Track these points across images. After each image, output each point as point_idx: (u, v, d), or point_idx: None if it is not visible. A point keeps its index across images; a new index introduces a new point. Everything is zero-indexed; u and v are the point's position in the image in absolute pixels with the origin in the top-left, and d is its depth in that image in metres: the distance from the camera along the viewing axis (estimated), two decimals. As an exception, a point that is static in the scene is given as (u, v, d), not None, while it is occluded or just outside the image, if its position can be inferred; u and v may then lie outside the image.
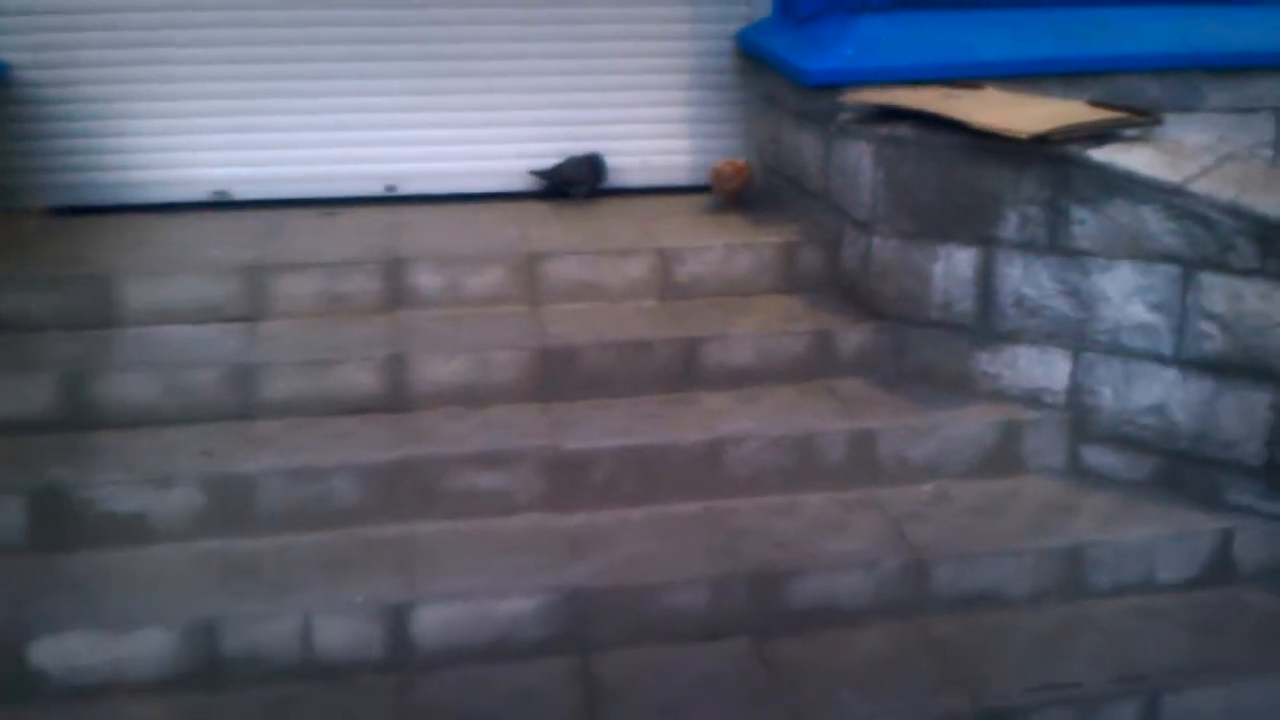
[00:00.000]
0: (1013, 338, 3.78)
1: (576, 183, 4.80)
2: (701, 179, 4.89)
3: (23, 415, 3.62)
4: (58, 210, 4.63)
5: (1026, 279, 3.72)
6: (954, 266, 3.83)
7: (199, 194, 4.75)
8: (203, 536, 3.40)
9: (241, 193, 4.76)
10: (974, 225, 3.78)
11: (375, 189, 4.83)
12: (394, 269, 4.06)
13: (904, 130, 3.89)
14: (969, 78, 4.26)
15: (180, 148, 4.72)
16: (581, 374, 3.84)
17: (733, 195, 4.62)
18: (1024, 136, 3.55)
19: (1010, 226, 3.72)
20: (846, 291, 4.17)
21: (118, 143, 4.68)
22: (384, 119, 4.78)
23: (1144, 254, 3.54)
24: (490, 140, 4.85)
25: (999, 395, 3.81)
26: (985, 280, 3.79)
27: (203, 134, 4.71)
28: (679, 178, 4.98)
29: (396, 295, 4.06)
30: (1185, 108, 4.38)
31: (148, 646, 3.09)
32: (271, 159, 4.75)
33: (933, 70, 4.30)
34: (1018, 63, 4.34)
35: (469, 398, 3.78)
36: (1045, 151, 3.62)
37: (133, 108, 4.66)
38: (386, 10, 4.70)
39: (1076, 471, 3.74)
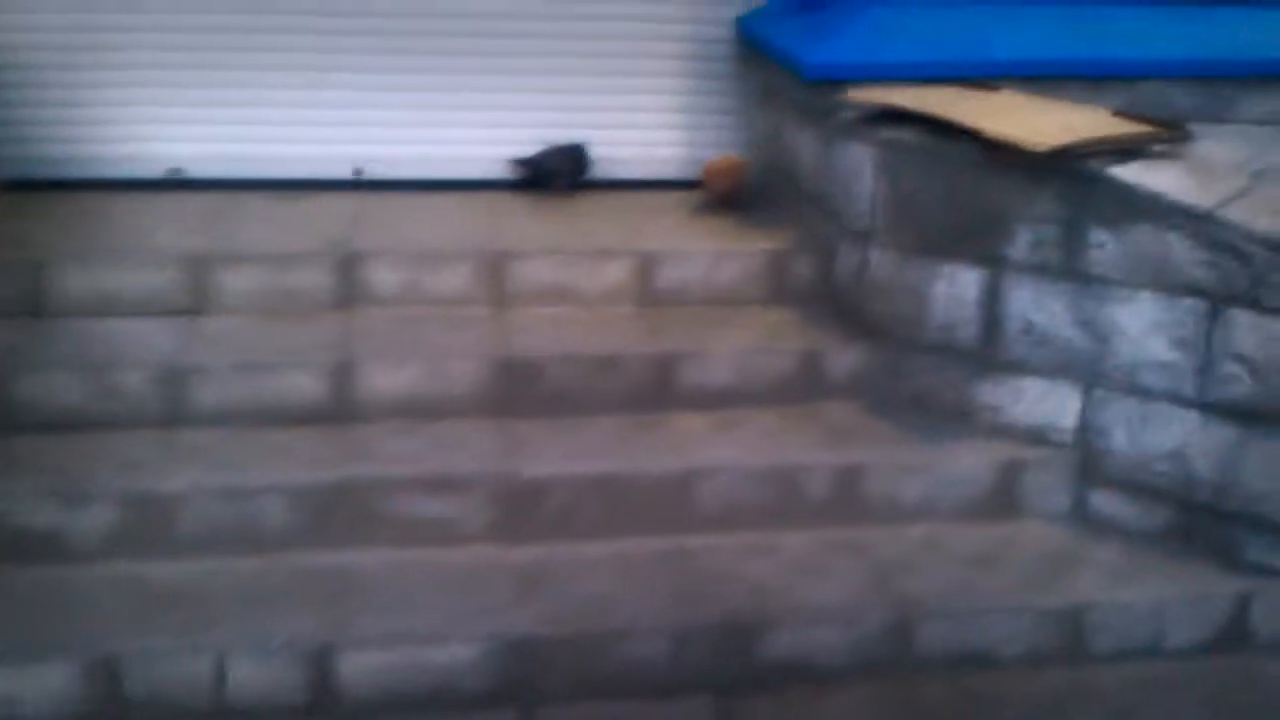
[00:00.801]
0: (1018, 368, 3.40)
1: (557, 174, 4.41)
2: (693, 174, 4.49)
3: (-68, 415, 3.26)
4: (1, 185, 4.25)
5: (1036, 305, 3.33)
6: (957, 287, 3.44)
7: (154, 171, 4.36)
8: (119, 558, 3.04)
9: (199, 171, 4.37)
10: (981, 243, 3.39)
11: (342, 172, 4.44)
12: (349, 264, 3.68)
13: (909, 136, 3.49)
14: (983, 77, 3.87)
15: (135, 120, 4.33)
16: (545, 389, 3.46)
17: (725, 195, 4.23)
18: (1041, 150, 3.16)
19: (1021, 247, 3.33)
20: (839, 307, 3.78)
21: (68, 114, 4.28)
22: (353, 98, 4.37)
23: (1168, 285, 3.15)
24: (467, 125, 4.45)
25: (1000, 430, 3.43)
26: (991, 304, 3.40)
27: (160, 107, 4.32)
28: (669, 172, 4.58)
29: (350, 292, 3.69)
30: (1215, 118, 3.96)
31: (46, 682, 2.74)
32: (231, 136, 4.35)
33: (944, 68, 3.90)
34: (1037, 63, 3.93)
35: (420, 411, 3.41)
36: (1064, 166, 3.23)
37: (86, 77, 4.26)
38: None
39: (1082, 519, 3.37)
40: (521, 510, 3.17)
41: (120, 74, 4.27)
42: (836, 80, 3.82)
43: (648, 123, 4.55)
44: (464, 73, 4.41)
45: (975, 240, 3.39)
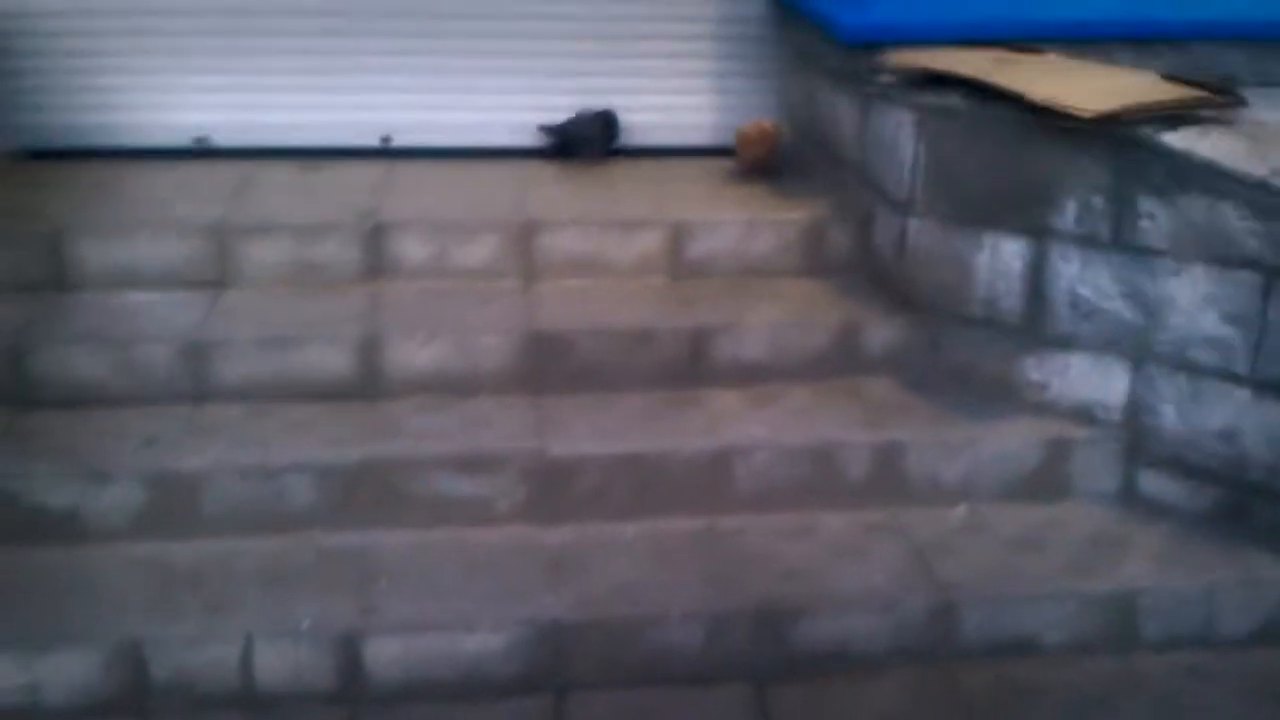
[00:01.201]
0: (1064, 343, 3.25)
1: (587, 141, 4.26)
2: (725, 140, 4.33)
3: (-48, 391, 3.18)
4: (23, 154, 4.14)
5: (1084, 277, 3.17)
6: (1000, 258, 3.28)
7: (179, 140, 4.23)
8: (141, 538, 2.96)
9: (224, 140, 4.25)
10: (1026, 213, 3.23)
11: (369, 140, 4.30)
12: (375, 235, 3.56)
13: (951, 100, 3.32)
14: (1026, 39, 3.69)
15: (161, 89, 4.19)
16: (576, 364, 3.34)
17: (758, 162, 4.07)
18: (1088, 116, 2.99)
19: (1068, 217, 3.17)
20: (877, 278, 3.63)
21: (93, 81, 4.15)
22: (381, 64, 4.22)
23: (1220, 257, 2.99)
24: (496, 91, 4.29)
25: (1045, 407, 3.29)
26: (1036, 276, 3.25)
27: (185, 75, 4.19)
28: (700, 138, 4.42)
29: (376, 264, 3.57)
30: (1269, 82, 3.77)
31: (70, 668, 2.66)
32: (257, 104, 4.22)
33: (987, 29, 3.71)
34: (1083, 24, 3.75)
35: (448, 387, 3.29)
36: (1112, 133, 3.06)
37: (111, 44, 4.12)
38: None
39: (1129, 499, 3.22)
40: (552, 490, 3.06)
41: (144, 40, 4.14)
42: (874, 43, 3.66)
43: (678, 88, 4.38)
44: (492, 37, 4.24)
45: (1020, 210, 3.23)
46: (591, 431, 3.15)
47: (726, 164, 4.21)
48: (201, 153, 4.23)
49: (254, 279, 3.52)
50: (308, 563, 2.90)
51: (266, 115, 4.23)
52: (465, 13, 4.21)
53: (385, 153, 4.29)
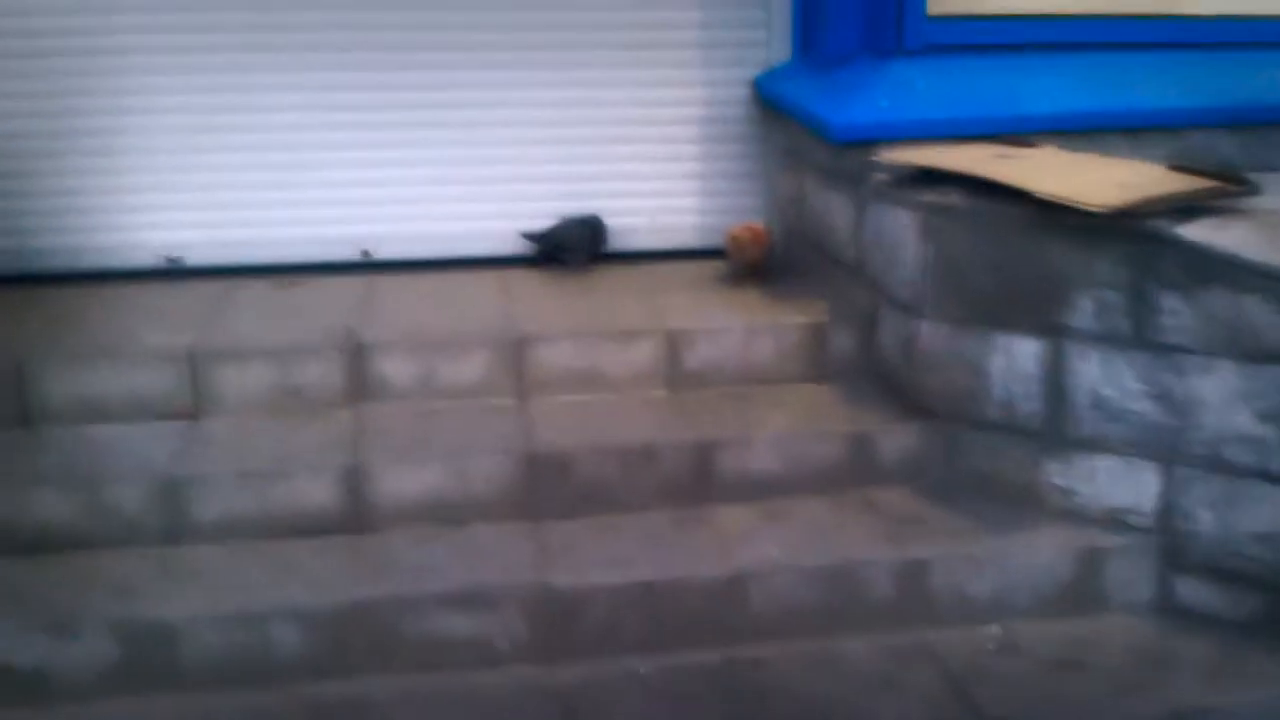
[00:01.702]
0: (1090, 446, 3.07)
1: (573, 249, 4.09)
2: (714, 242, 4.19)
3: (-94, 541, 2.91)
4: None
5: (1106, 377, 3.01)
6: (1016, 360, 3.11)
7: (149, 260, 4.04)
8: (115, 695, 2.69)
9: (197, 259, 4.06)
10: (1039, 312, 3.07)
11: (349, 254, 4.12)
12: (358, 355, 3.35)
13: (954, 198, 3.18)
14: (1019, 133, 3.57)
15: (128, 208, 4.01)
16: (576, 485, 3.12)
17: (751, 265, 3.91)
18: (1102, 211, 2.85)
19: (1085, 315, 3.01)
20: (885, 382, 3.45)
21: (54, 203, 3.97)
22: (358, 176, 4.07)
23: (1249, 353, 2.83)
24: (477, 199, 4.14)
25: (1073, 514, 3.09)
26: (1054, 377, 3.08)
27: (153, 192, 4.01)
28: (689, 240, 4.27)
29: (360, 387, 3.35)
30: (1266, 166, 3.66)
31: None
32: (231, 220, 4.04)
33: (978, 124, 3.60)
34: (1075, 116, 3.64)
35: (442, 515, 3.06)
36: (1126, 227, 2.91)
37: (74, 163, 3.95)
38: (359, 54, 4.00)
39: (1168, 609, 3.02)
40: (557, 626, 2.82)
41: (111, 160, 3.96)
42: (865, 141, 3.53)
43: (665, 190, 4.23)
44: (471, 145, 4.10)
45: (1033, 309, 3.07)
46: (596, 559, 2.92)
47: (717, 267, 4.06)
48: (173, 273, 4.03)
49: (231, 407, 3.30)
50: (298, 718, 2.64)
51: (240, 232, 4.05)
52: (443, 121, 4.06)
53: (365, 266, 4.10)
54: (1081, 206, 2.88)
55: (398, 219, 4.11)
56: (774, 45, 4.14)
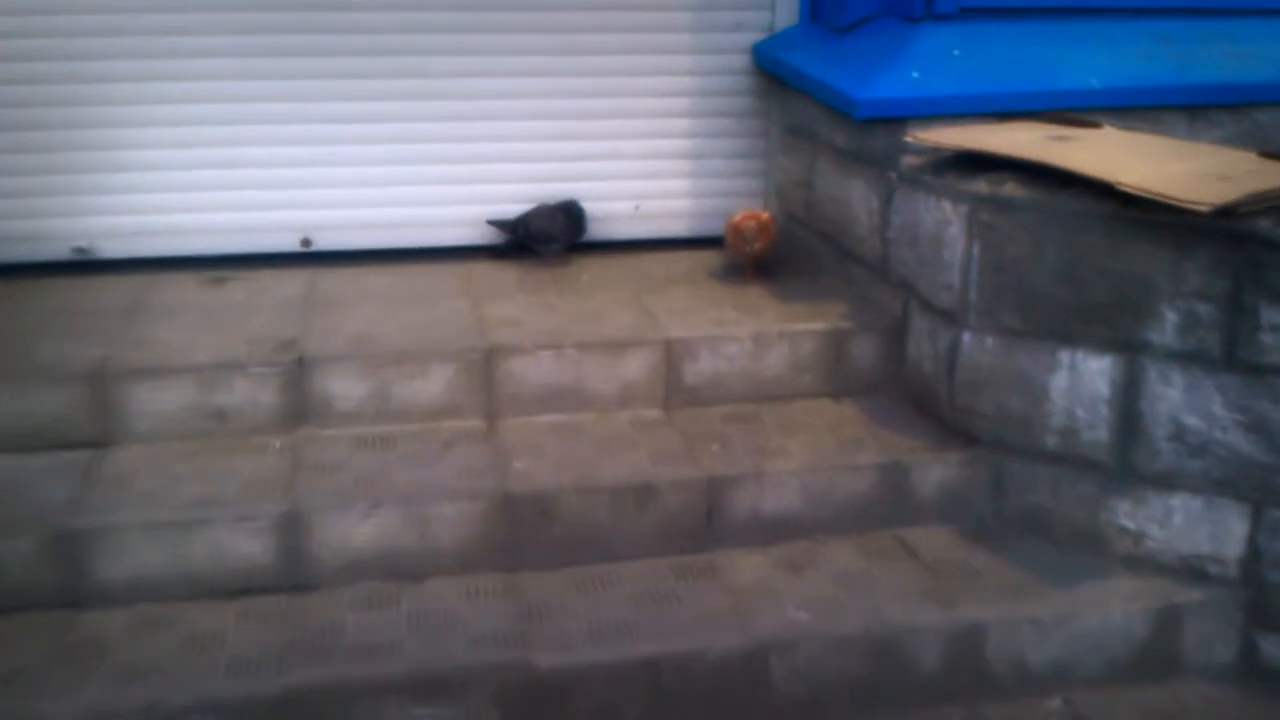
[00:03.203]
0: (1166, 483, 2.55)
1: (548, 237, 3.51)
2: (707, 229, 3.64)
3: None
4: None
5: (1190, 403, 2.49)
6: (1082, 379, 2.59)
7: (55, 252, 3.41)
8: (-13, 812, 2.13)
9: (113, 250, 3.44)
10: (1113, 324, 2.54)
11: (287, 243, 3.51)
12: (297, 371, 2.77)
13: (1009, 188, 2.64)
14: (1065, 109, 3.04)
15: (31, 192, 3.38)
16: (559, 532, 2.57)
17: (754, 259, 3.35)
18: (1206, 210, 2.31)
19: (1167, 328, 2.49)
20: (917, 400, 2.92)
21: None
22: (296, 153, 3.45)
23: (1368, 376, 2.33)
24: (436, 180, 3.54)
25: (1144, 562, 2.58)
26: (1127, 401, 2.55)
27: (60, 174, 3.38)
28: (679, 228, 3.71)
29: (299, 410, 2.77)
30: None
31: None
32: (150, 205, 3.42)
33: (1020, 100, 3.07)
34: (1130, 91, 3.11)
35: (397, 569, 2.50)
36: (1223, 227, 2.39)
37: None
38: (298, 13, 3.37)
39: (1251, 672, 2.53)
40: (543, 714, 2.27)
41: (10, 135, 3.32)
42: (894, 117, 2.99)
43: (652, 171, 3.65)
44: (431, 118, 3.49)
45: (1106, 321, 2.54)
46: (585, 626, 2.37)
47: (711, 259, 3.51)
48: (85, 266, 3.41)
49: (144, 434, 2.70)
50: (216, 842, 2.09)
51: (161, 217, 3.43)
52: (401, 92, 3.45)
53: (306, 258, 3.50)
54: (1180, 204, 2.34)
55: (344, 203, 3.50)
56: (779, 7, 3.57)
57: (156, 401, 2.71)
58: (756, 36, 3.59)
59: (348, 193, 3.50)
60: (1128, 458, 2.58)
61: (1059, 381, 2.61)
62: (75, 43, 3.29)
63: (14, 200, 3.37)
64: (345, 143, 3.48)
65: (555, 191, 3.57)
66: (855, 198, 3.17)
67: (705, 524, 2.63)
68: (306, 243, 3.53)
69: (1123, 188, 2.42)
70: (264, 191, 3.46)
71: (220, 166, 3.43)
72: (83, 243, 3.42)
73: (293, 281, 3.30)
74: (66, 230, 3.41)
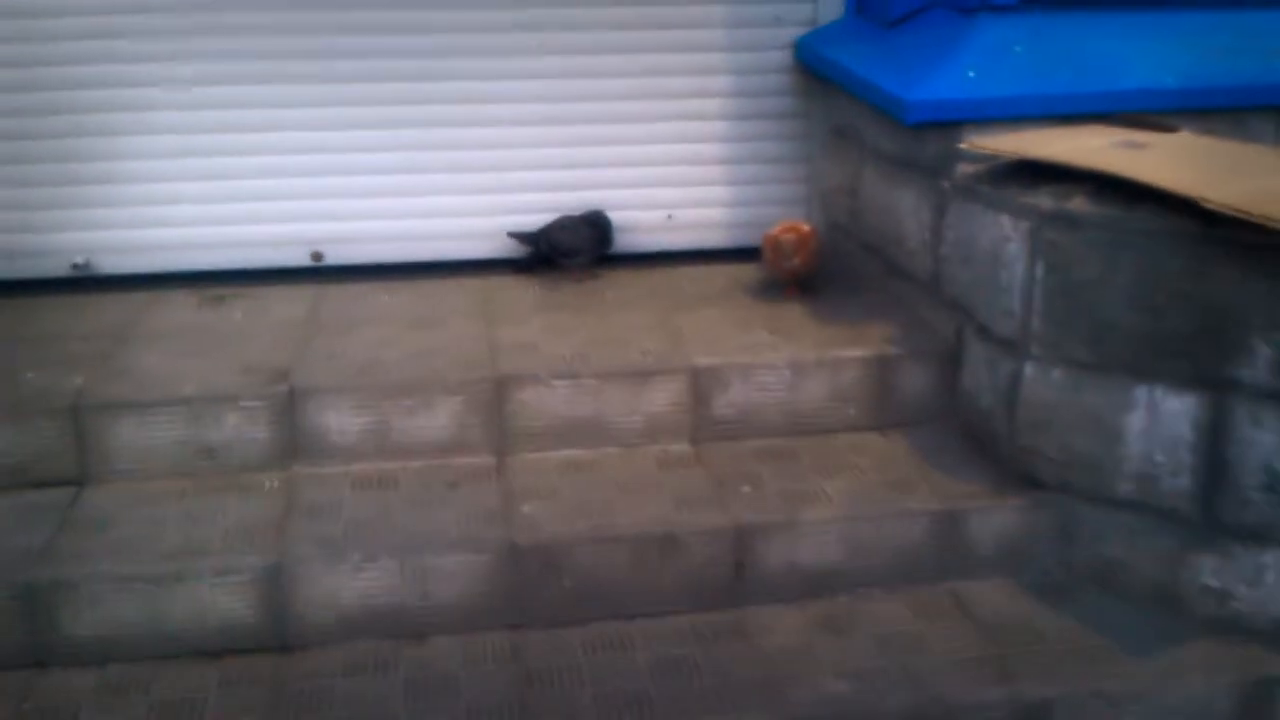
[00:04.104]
0: (1257, 537, 2.24)
1: (572, 251, 3.26)
2: (743, 239, 3.37)
3: None
4: None
5: (1286, 448, 2.19)
6: (1162, 420, 2.28)
7: (53, 268, 3.21)
8: None
9: (112, 265, 3.23)
10: (1196, 359, 2.23)
11: (297, 258, 3.29)
12: (290, 404, 2.53)
13: (1077, 202, 2.34)
14: (1140, 110, 2.73)
15: (28, 205, 3.18)
16: (570, 584, 2.31)
17: (794, 274, 3.08)
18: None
19: (1259, 364, 2.17)
20: (972, 437, 2.63)
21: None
22: (309, 161, 3.23)
23: None
24: (454, 190, 3.30)
25: (1229, 625, 2.27)
26: (1213, 445, 2.25)
27: (59, 186, 3.18)
28: (714, 239, 3.43)
29: (291, 446, 2.54)
30: None
31: None
32: (152, 218, 3.21)
33: (1089, 100, 2.76)
34: (1211, 90, 2.78)
35: (394, 628, 2.26)
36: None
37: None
38: (310, 13, 3.14)
39: (1362, 757, 2.23)
40: (547, 801, 2.03)
41: (12, 146, 3.13)
42: (947, 121, 2.70)
43: (684, 178, 3.39)
44: (449, 124, 3.26)
45: (1188, 354, 2.24)
46: (593, 699, 2.11)
47: (748, 273, 3.23)
48: (83, 283, 3.21)
49: (127, 472, 2.49)
50: None
51: (162, 231, 3.22)
52: (416, 97, 3.21)
53: (315, 273, 3.28)
54: (1274, 225, 2.04)
55: (356, 214, 3.28)
56: (822, 0, 3.29)
57: (140, 438, 2.49)
58: (797, 31, 3.31)
59: (359, 203, 3.27)
60: (1213, 508, 2.27)
61: (1135, 422, 2.31)
62: (75, 46, 3.09)
63: (12, 213, 3.18)
64: (359, 150, 3.25)
65: (580, 201, 3.31)
66: (904, 208, 2.88)
67: (734, 577, 2.36)
68: (318, 257, 3.30)
69: (1208, 205, 2.12)
70: (271, 203, 3.25)
71: (225, 177, 3.23)
72: (81, 259, 3.22)
73: (297, 300, 3.07)
74: (65, 245, 3.23)
